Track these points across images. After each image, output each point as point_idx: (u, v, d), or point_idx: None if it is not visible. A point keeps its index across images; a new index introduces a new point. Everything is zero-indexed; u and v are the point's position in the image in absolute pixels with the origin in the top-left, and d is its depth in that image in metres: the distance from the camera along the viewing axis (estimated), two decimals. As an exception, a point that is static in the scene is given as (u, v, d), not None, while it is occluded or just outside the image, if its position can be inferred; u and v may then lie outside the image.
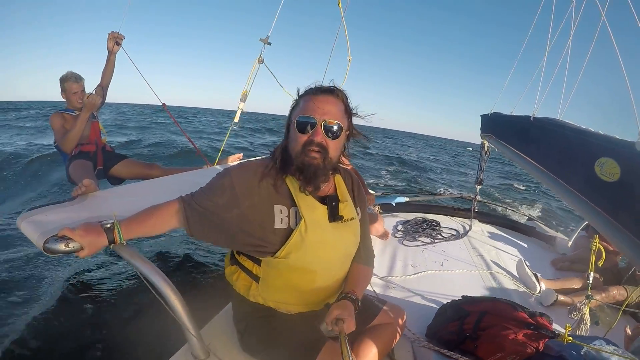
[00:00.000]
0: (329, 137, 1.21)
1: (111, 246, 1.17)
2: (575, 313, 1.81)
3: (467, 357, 1.50)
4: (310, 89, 1.26)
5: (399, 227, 3.61)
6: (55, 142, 3.01)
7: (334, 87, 1.26)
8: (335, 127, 1.21)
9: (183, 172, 2.68)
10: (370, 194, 3.13)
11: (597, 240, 1.72)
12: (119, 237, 1.16)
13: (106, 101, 3.24)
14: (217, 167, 2.83)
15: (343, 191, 1.37)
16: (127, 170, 3.18)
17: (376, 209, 3.84)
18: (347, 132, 1.29)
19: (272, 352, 1.31)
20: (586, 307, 1.70)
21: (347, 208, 1.33)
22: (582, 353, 1.29)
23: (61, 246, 1.07)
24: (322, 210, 1.27)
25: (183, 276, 3.07)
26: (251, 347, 1.39)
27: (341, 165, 1.40)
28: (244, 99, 2.88)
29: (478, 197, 4.17)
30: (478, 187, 4.12)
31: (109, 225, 1.16)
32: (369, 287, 2.21)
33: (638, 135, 1.32)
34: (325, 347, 1.21)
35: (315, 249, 1.24)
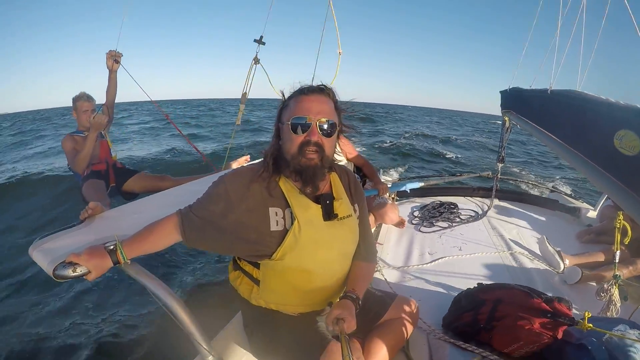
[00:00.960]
0: (324, 135, 1.21)
1: (117, 266, 1.20)
2: (603, 294, 1.73)
3: (482, 349, 1.45)
4: (300, 89, 1.25)
5: (416, 214, 3.52)
6: (68, 165, 3.11)
7: (323, 85, 1.27)
8: (329, 125, 1.21)
9: (193, 179, 2.70)
10: (383, 183, 3.07)
11: (621, 216, 1.63)
12: (122, 257, 1.19)
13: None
14: (223, 172, 2.83)
15: (338, 189, 1.37)
16: (139, 185, 3.25)
17: (390, 196, 3.76)
18: (339, 129, 1.29)
19: (278, 353, 1.33)
20: (614, 287, 1.62)
21: (342, 206, 1.33)
22: (604, 340, 1.22)
23: (69, 272, 1.12)
24: (316, 209, 1.27)
25: (191, 286, 3.11)
26: (259, 349, 1.41)
27: (336, 163, 1.40)
28: (243, 100, 2.90)
29: (499, 175, 4.02)
30: (500, 165, 3.97)
31: (112, 247, 1.19)
32: (382, 279, 2.22)
33: None
34: (330, 346, 1.20)
35: (310, 248, 1.25)
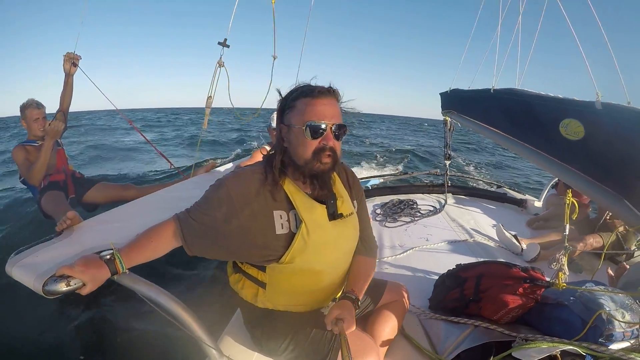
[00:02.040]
0: (336, 139, 1.22)
1: (114, 277, 1.13)
2: (554, 264, 1.96)
3: (474, 320, 1.59)
4: (308, 90, 1.21)
5: (378, 211, 3.68)
6: (20, 177, 2.88)
7: (331, 87, 1.24)
8: (342, 129, 1.22)
9: (160, 188, 2.61)
10: None
11: (569, 194, 1.87)
12: (121, 267, 1.12)
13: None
14: (194, 179, 2.81)
15: (339, 187, 1.37)
16: (101, 195, 3.09)
17: None
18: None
19: (291, 350, 1.33)
20: (564, 257, 1.85)
21: (344, 204, 1.34)
22: (577, 295, 1.42)
23: (62, 286, 1.02)
24: (321, 210, 1.27)
25: (186, 291, 3.03)
26: (273, 350, 1.39)
27: None
28: (209, 104, 2.88)
29: (449, 172, 4.34)
30: (447, 162, 4.28)
31: (108, 257, 1.11)
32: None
33: (596, 95, 1.45)
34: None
35: (319, 249, 1.25)
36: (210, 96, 2.85)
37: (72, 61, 2.81)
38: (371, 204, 3.95)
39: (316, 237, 1.23)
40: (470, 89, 3.42)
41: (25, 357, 2.20)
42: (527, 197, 3.93)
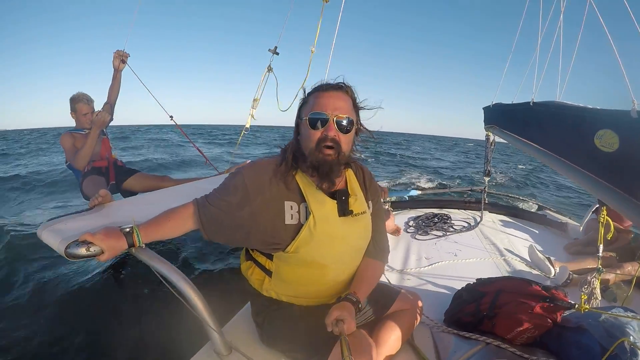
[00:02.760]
0: (341, 131, 1.22)
1: (131, 249, 1.21)
2: (585, 287, 1.81)
3: (486, 337, 1.51)
4: (319, 86, 1.28)
5: (411, 223, 3.62)
6: (67, 162, 3.10)
7: (342, 83, 1.28)
8: (346, 121, 1.22)
9: (194, 181, 2.76)
10: (382, 187, 3.18)
11: (604, 212, 1.73)
12: (138, 240, 1.20)
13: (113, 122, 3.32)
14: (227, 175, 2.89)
15: (353, 185, 1.39)
16: (139, 184, 3.26)
17: (387, 206, 3.87)
18: (356, 127, 1.31)
19: (288, 343, 1.35)
20: (597, 280, 1.70)
21: (357, 202, 1.34)
22: (601, 320, 1.30)
23: (82, 250, 1.11)
24: (332, 205, 1.28)
25: (202, 275, 3.11)
26: (269, 339, 1.42)
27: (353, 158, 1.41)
28: (255, 105, 3.00)
29: (487, 189, 4.17)
30: (487, 179, 4.12)
31: (128, 230, 1.20)
32: (384, 279, 2.25)
33: (632, 103, 1.35)
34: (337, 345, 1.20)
35: (325, 243, 1.26)
36: (257, 98, 2.97)
37: (121, 58, 3.01)
38: (406, 215, 3.90)
39: (323, 230, 1.24)
40: (512, 102, 3.31)
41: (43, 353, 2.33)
42: (569, 220, 3.68)
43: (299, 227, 1.26)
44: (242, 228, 1.27)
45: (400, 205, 4.11)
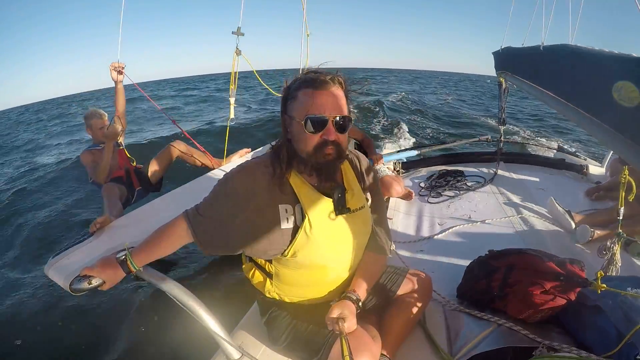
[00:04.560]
0: (340, 131, 1.15)
1: (130, 274, 1.23)
2: (605, 252, 1.70)
3: (498, 317, 1.45)
4: (310, 80, 1.15)
5: (422, 184, 3.50)
6: (90, 179, 3.22)
7: (334, 75, 1.16)
8: (345, 122, 1.15)
9: (199, 154, 3.07)
10: (376, 153, 3.05)
11: (626, 171, 1.58)
12: (132, 267, 1.21)
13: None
14: (225, 167, 2.86)
15: (350, 179, 1.32)
16: (156, 170, 3.39)
17: (395, 169, 3.74)
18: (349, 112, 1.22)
19: (291, 343, 1.34)
20: (617, 245, 1.58)
21: (354, 197, 1.28)
22: (619, 300, 1.20)
23: (85, 285, 1.17)
24: (328, 204, 1.22)
25: (206, 279, 3.15)
26: (275, 339, 1.42)
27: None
28: (232, 94, 2.92)
29: (503, 138, 3.96)
30: (502, 128, 3.91)
31: (122, 257, 1.21)
32: (394, 257, 2.20)
33: None
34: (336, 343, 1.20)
35: (322, 244, 1.22)
36: (232, 88, 2.90)
37: (117, 69, 3.02)
38: (417, 175, 3.78)
39: (319, 232, 1.19)
40: (522, 46, 3.06)
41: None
42: (589, 162, 3.48)
43: (295, 230, 1.21)
44: (238, 236, 1.23)
45: (410, 165, 3.97)
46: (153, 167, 3.37)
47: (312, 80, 1.13)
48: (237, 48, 2.81)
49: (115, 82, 3.07)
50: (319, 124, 1.11)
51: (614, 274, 1.67)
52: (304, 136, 1.14)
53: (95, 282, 1.17)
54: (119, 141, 3.27)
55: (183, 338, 2.21)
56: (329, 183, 1.22)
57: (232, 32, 2.80)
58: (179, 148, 3.42)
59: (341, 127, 1.14)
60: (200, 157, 3.48)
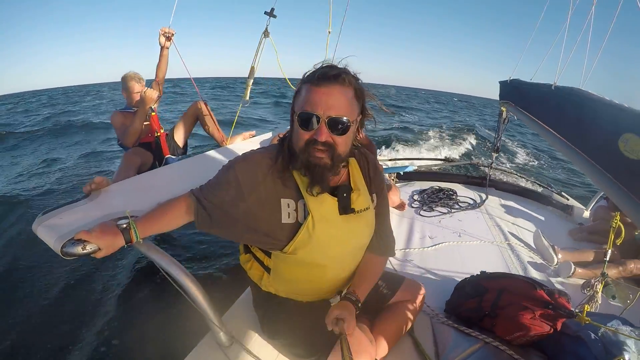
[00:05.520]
0: (335, 133, 1.09)
1: (127, 245, 1.16)
2: (588, 289, 1.81)
3: (485, 335, 1.53)
4: (313, 75, 1.10)
5: (415, 197, 3.62)
6: (118, 140, 3.17)
7: (341, 71, 1.09)
8: (341, 123, 1.08)
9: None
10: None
11: (618, 217, 1.69)
12: (135, 236, 1.14)
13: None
14: (229, 147, 2.86)
15: (356, 179, 1.27)
16: (180, 135, 3.33)
17: (392, 179, 3.83)
18: (360, 117, 1.17)
19: (289, 339, 1.36)
20: (600, 284, 1.69)
21: (360, 198, 1.25)
22: (599, 334, 1.31)
23: (78, 249, 1.07)
24: (332, 202, 1.19)
25: (200, 264, 3.17)
26: (270, 333, 1.43)
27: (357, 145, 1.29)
28: (251, 75, 2.88)
29: (494, 165, 4.10)
30: (495, 155, 4.04)
31: (124, 225, 1.14)
32: (388, 263, 2.26)
33: None
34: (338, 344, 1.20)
35: (324, 244, 1.20)
36: (253, 66, 2.84)
37: (166, 35, 2.97)
38: (411, 188, 3.88)
39: (322, 231, 1.17)
40: (531, 81, 3.17)
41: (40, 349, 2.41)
42: (575, 203, 3.64)
43: (296, 226, 1.19)
44: (237, 224, 1.21)
45: (405, 176, 4.08)
46: (179, 130, 3.33)
47: (317, 76, 1.08)
48: (266, 29, 2.78)
49: (162, 48, 3.02)
50: (309, 122, 1.07)
51: (593, 309, 1.78)
52: (297, 131, 1.11)
53: (90, 247, 1.08)
54: (153, 107, 3.18)
55: (170, 321, 2.24)
56: (318, 188, 1.15)
57: (265, 12, 2.78)
58: (199, 110, 3.33)
59: (338, 128, 1.09)
60: (214, 126, 3.41)
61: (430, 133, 13.16)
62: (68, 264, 3.16)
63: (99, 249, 1.09)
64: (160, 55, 3.05)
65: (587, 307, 1.35)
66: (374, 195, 1.35)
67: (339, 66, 1.12)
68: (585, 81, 2.36)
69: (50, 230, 1.16)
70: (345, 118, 1.08)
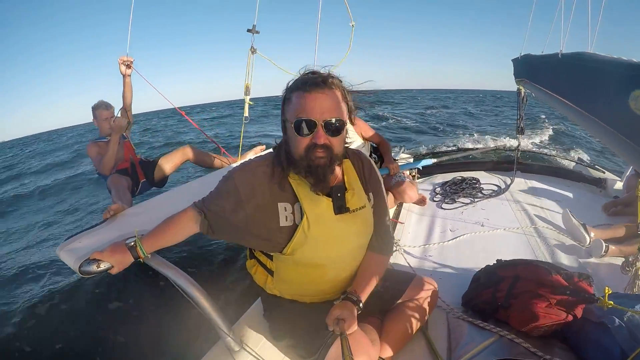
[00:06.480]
0: (331, 134, 1.14)
1: (138, 260, 1.25)
2: (628, 269, 1.63)
3: (500, 328, 1.43)
4: (301, 82, 1.15)
5: (437, 190, 3.49)
6: (96, 170, 3.30)
7: (327, 76, 1.16)
8: (336, 124, 1.14)
9: (211, 156, 3.15)
10: (393, 162, 3.01)
11: (644, 184, 1.52)
12: (142, 253, 1.22)
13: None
14: (240, 162, 2.87)
15: (351, 179, 1.31)
16: (166, 168, 3.43)
17: (411, 174, 3.70)
18: (348, 115, 1.21)
19: (291, 339, 1.36)
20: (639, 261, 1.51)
21: (354, 197, 1.27)
22: (625, 319, 1.16)
23: (94, 267, 1.18)
24: (327, 203, 1.22)
25: (211, 273, 3.20)
26: (275, 335, 1.44)
27: (349, 147, 1.33)
28: (247, 92, 2.91)
29: (521, 147, 3.87)
30: (520, 137, 3.82)
31: (132, 243, 1.23)
32: (402, 258, 2.22)
33: None
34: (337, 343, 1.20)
35: (321, 244, 1.23)
36: (248, 84, 2.88)
37: (126, 63, 3.06)
38: (433, 181, 3.76)
39: (318, 231, 1.20)
40: (542, 54, 2.98)
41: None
42: (608, 176, 3.36)
43: (294, 228, 1.22)
44: (239, 230, 1.26)
45: (427, 170, 3.93)
46: (160, 166, 3.43)
47: (303, 83, 1.14)
48: (252, 46, 2.82)
49: (123, 76, 3.12)
50: (308, 127, 1.12)
51: (637, 291, 1.60)
52: (295, 138, 1.15)
53: (103, 265, 1.19)
54: (125, 134, 3.34)
55: (182, 329, 2.26)
56: (321, 186, 1.20)
57: (248, 30, 2.82)
58: (188, 154, 3.47)
59: (333, 130, 1.13)
60: (212, 161, 3.52)
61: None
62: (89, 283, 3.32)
63: (112, 266, 1.20)
64: (124, 83, 3.16)
65: (608, 290, 1.19)
66: (371, 194, 1.37)
67: (321, 71, 1.18)
68: (593, 44, 2.17)
69: (71, 254, 1.27)
70: (339, 119, 1.14)
